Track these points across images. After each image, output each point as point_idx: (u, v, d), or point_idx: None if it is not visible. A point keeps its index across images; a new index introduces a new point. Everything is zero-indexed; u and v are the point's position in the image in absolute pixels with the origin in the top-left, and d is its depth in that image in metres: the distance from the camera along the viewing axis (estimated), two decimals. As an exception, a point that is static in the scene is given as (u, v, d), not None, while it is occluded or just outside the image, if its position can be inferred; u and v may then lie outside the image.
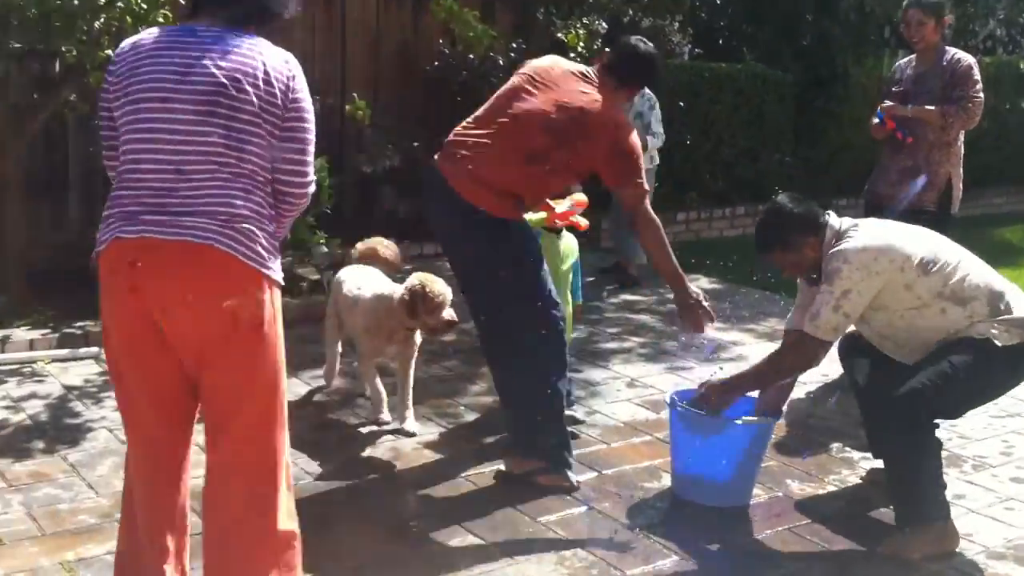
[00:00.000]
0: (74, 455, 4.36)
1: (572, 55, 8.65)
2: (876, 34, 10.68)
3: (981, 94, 5.39)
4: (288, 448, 2.90)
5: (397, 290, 4.66)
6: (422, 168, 4.44)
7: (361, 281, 4.97)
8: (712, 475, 4.03)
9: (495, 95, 4.29)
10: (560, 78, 4.17)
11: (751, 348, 6.15)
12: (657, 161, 7.66)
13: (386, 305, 4.70)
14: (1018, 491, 4.30)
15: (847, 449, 4.70)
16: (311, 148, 2.85)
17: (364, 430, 4.78)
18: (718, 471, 4.02)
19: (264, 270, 2.74)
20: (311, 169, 2.87)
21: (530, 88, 4.17)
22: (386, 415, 4.86)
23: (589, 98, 4.09)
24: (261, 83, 2.71)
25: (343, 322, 5.10)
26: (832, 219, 3.87)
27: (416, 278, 4.56)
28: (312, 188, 2.91)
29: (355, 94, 7.62)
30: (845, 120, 10.40)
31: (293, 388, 5.29)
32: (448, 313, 4.53)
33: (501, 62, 8.65)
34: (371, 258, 5.31)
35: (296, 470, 4.26)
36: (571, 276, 5.14)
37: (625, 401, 5.27)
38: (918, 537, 3.68)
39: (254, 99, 2.70)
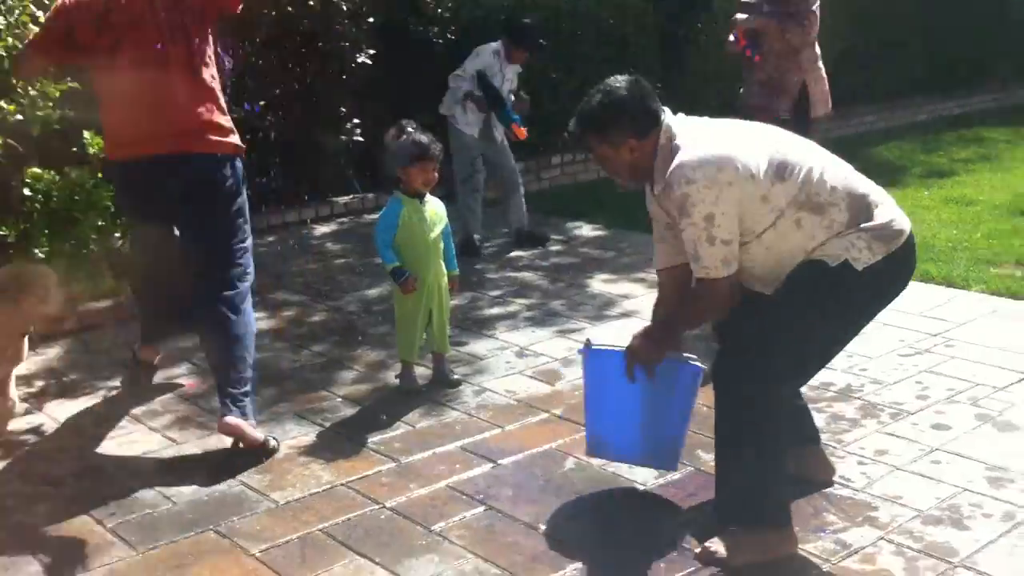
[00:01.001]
0: None
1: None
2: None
3: (815, 7, 5.50)
4: None
5: None
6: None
7: None
8: (637, 428, 3.58)
9: None
10: None
11: (642, 301, 5.77)
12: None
13: None
14: (941, 440, 4.02)
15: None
16: None
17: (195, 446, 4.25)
18: (650, 423, 3.55)
19: None
20: None
21: None
22: None
23: None
24: None
25: None
26: (668, 118, 3.26)
27: (5, 274, 4.05)
28: None
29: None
30: (712, 47, 10.09)
31: (144, 392, 4.72)
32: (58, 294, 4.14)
33: (345, 7, 8.06)
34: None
35: (152, 494, 3.73)
36: (441, 244, 4.69)
37: (516, 374, 4.84)
38: (742, 539, 3.20)
39: None
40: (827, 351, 3.33)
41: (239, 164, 4.30)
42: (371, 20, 8.27)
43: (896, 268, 3.18)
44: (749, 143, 3.16)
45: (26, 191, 5.86)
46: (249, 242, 4.39)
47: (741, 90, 5.84)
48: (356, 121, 8.24)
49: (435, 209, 4.69)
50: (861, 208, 3.15)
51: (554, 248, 7.08)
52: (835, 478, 3.71)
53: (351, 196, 8.47)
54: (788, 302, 3.16)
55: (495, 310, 5.82)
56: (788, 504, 3.27)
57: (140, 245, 4.76)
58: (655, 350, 3.34)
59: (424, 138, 4.58)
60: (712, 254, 3.07)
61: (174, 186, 4.14)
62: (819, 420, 4.03)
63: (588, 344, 3.65)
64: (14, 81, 5.45)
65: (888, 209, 3.20)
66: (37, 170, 5.92)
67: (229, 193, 4.23)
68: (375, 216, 7.54)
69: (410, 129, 4.59)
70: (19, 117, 5.46)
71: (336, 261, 7.01)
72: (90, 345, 5.40)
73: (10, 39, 5.40)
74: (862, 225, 3.12)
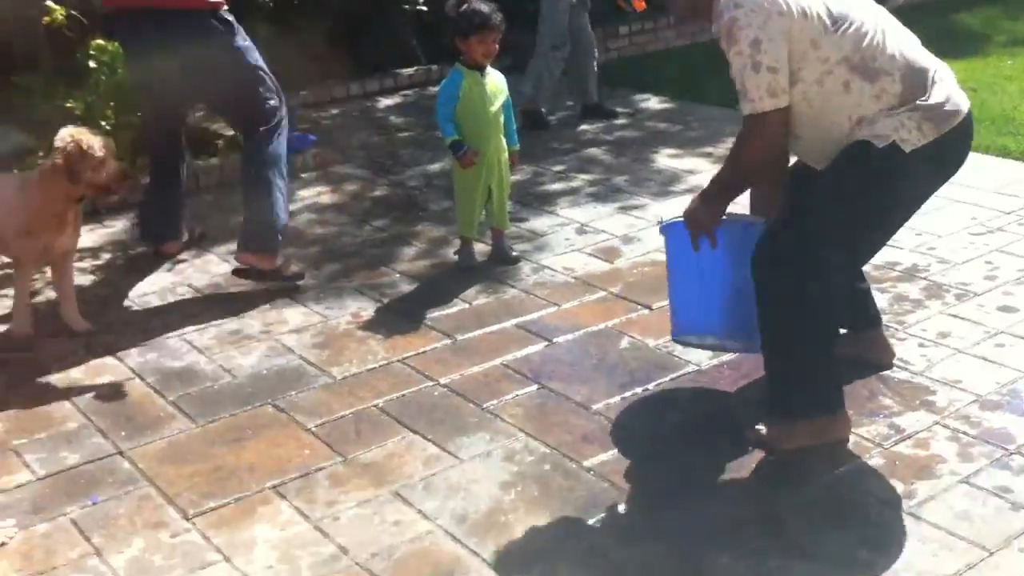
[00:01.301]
0: None
1: None
2: None
3: None
4: None
5: (24, 173, 3.85)
6: None
7: None
8: (719, 303, 3.35)
9: None
10: None
11: (708, 176, 5.61)
12: None
13: (35, 184, 3.91)
14: (1008, 323, 3.92)
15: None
16: None
17: (271, 308, 4.30)
18: (732, 295, 3.28)
19: None
20: None
21: None
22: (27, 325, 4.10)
23: None
24: None
25: None
26: None
27: (65, 136, 3.88)
28: None
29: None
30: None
31: (208, 267, 4.79)
32: (116, 163, 4.00)
33: None
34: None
35: (213, 367, 3.82)
36: (502, 118, 4.62)
37: (575, 251, 4.80)
38: (794, 423, 3.15)
39: None
40: (876, 236, 3.17)
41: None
42: None
43: (947, 152, 3.02)
44: None
45: (91, 63, 5.89)
46: (259, 85, 4.52)
47: None
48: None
49: (495, 82, 4.60)
50: (917, 83, 2.96)
51: (619, 122, 6.94)
52: (894, 361, 3.64)
53: (415, 68, 8.36)
54: (833, 184, 3.03)
55: (557, 185, 5.76)
56: (840, 389, 3.21)
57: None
58: (710, 211, 3.16)
59: (485, 7, 4.47)
60: (758, 83, 2.90)
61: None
62: (882, 301, 3.96)
63: (662, 221, 3.47)
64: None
65: (945, 87, 3.01)
66: (101, 41, 5.94)
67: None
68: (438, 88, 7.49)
69: None
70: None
71: (399, 134, 6.97)
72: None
73: None
74: (915, 103, 2.94)
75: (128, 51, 4.79)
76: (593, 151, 6.36)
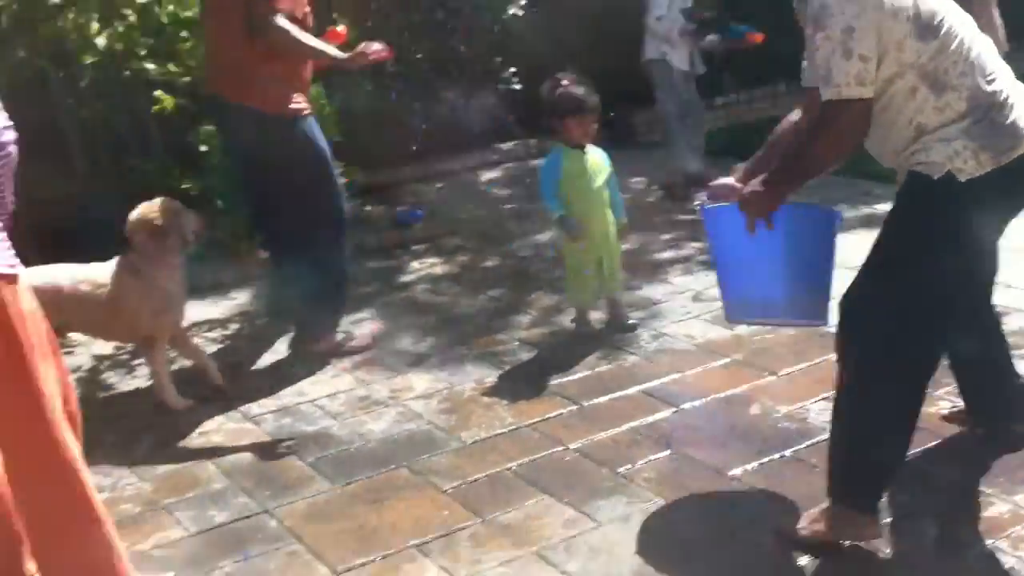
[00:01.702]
0: (111, 435, 4.00)
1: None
2: None
3: None
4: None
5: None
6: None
7: (68, 274, 4.08)
8: (775, 282, 3.31)
9: None
10: None
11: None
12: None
13: (139, 262, 4.10)
14: None
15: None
16: None
17: (398, 384, 4.38)
18: (789, 274, 3.27)
19: None
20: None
21: None
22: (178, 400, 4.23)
23: None
24: None
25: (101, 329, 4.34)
26: None
27: (143, 210, 4.13)
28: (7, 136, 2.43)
29: (335, 15, 7.03)
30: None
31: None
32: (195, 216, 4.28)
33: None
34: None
35: (346, 432, 3.89)
36: (607, 193, 4.69)
37: (693, 319, 4.82)
38: (833, 514, 3.00)
39: None
40: (963, 284, 2.97)
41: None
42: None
43: (1010, 182, 2.84)
44: None
45: (202, 147, 6.12)
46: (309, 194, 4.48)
47: None
48: (513, 70, 8.25)
49: (596, 159, 4.69)
50: (981, 104, 2.84)
51: (724, 192, 6.97)
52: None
53: (513, 142, 8.52)
54: (899, 230, 2.93)
55: (667, 254, 5.80)
56: (883, 491, 3.04)
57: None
58: (770, 196, 3.01)
59: (580, 91, 4.57)
60: (847, 70, 2.77)
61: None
62: (1021, 368, 3.88)
63: (703, 205, 3.46)
64: (179, 45, 5.67)
65: (1015, 113, 2.86)
66: (209, 127, 6.17)
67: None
68: (538, 161, 7.62)
69: (565, 82, 4.59)
70: (187, 79, 5.68)
71: (503, 207, 7.08)
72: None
73: (171, 7, 5.61)
74: (973, 126, 2.83)
75: (219, 134, 5.11)
76: (700, 219, 6.38)
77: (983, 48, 2.94)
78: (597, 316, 4.84)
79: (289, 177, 4.38)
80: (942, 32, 2.84)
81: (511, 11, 8.10)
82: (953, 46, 2.85)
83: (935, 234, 2.87)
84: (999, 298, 4.13)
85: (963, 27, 2.93)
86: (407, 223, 6.50)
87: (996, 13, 5.38)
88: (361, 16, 7.10)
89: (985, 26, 5.28)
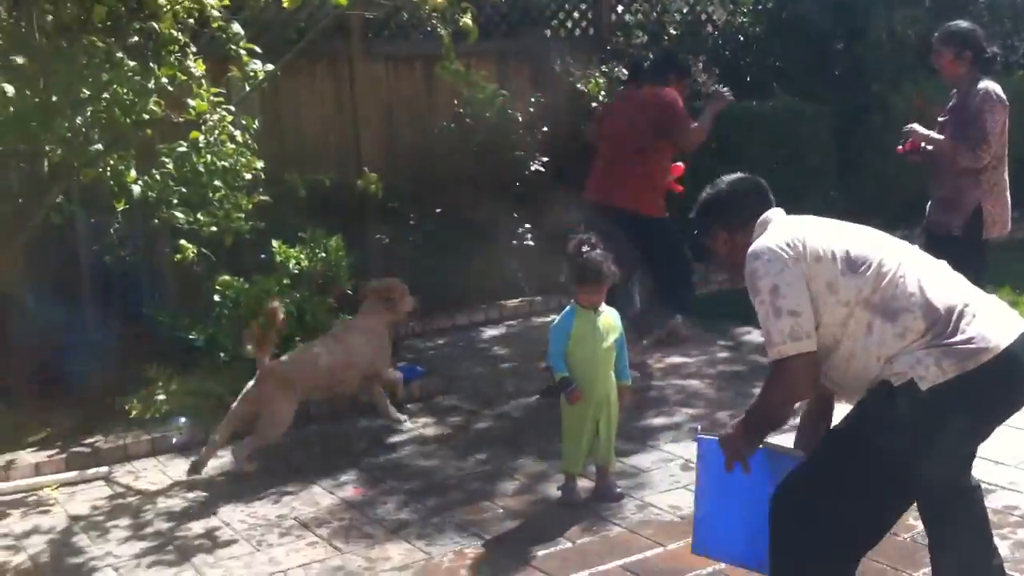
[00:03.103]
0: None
1: (594, 104, 8.30)
2: (912, 58, 10.15)
3: (989, 135, 5.38)
4: None
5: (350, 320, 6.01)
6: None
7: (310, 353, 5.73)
8: (741, 525, 3.37)
9: None
10: None
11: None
12: None
13: (370, 321, 5.87)
14: None
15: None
16: None
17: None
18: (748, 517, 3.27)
19: None
20: None
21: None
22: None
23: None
24: None
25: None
26: (771, 214, 3.23)
27: (382, 283, 6.01)
28: None
29: (365, 168, 7.22)
30: (889, 149, 9.85)
31: (314, 498, 4.85)
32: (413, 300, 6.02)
33: (520, 118, 8.29)
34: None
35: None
36: (614, 354, 4.69)
37: (680, 489, 4.75)
38: None
39: None
40: (911, 488, 3.01)
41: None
42: (544, 129, 8.44)
43: (978, 390, 2.86)
44: (828, 233, 3.08)
45: (216, 297, 6.20)
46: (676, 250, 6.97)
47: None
48: (527, 226, 8.38)
49: (608, 320, 4.70)
50: (940, 318, 2.90)
51: (721, 355, 6.97)
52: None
53: (519, 299, 8.57)
54: (852, 431, 2.99)
55: (659, 420, 5.75)
56: None
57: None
58: (743, 442, 3.15)
59: (599, 257, 4.62)
60: (779, 328, 2.93)
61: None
62: (1003, 548, 3.79)
63: (698, 432, 3.54)
64: (211, 194, 5.81)
65: (977, 323, 2.90)
66: (227, 278, 6.26)
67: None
68: (543, 320, 7.66)
69: (586, 248, 4.64)
70: (214, 228, 5.79)
71: (503, 365, 7.08)
72: (265, 449, 5.57)
73: (209, 156, 5.76)
74: (936, 340, 2.87)
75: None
76: (695, 383, 6.37)
77: (923, 265, 3.03)
78: (585, 484, 4.77)
79: (663, 244, 6.81)
80: (875, 261, 2.95)
81: (533, 167, 8.29)
82: (892, 270, 2.95)
83: (886, 442, 2.87)
84: (986, 475, 4.10)
85: (898, 251, 3.05)
86: (406, 380, 6.49)
87: (1006, 193, 5.64)
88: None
89: (992, 203, 5.46)
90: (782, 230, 3.11)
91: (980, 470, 4.50)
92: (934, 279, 3.00)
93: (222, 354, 6.19)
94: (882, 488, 2.92)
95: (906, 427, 2.85)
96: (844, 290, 2.94)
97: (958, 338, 2.87)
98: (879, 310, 2.92)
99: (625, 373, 4.77)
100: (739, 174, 3.43)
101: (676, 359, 6.92)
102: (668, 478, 4.89)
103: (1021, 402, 3.01)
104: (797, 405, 3.26)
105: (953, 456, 3.05)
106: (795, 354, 2.93)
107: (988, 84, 5.51)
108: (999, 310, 3.02)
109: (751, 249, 3.09)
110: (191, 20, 5.63)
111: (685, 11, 9.69)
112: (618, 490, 4.72)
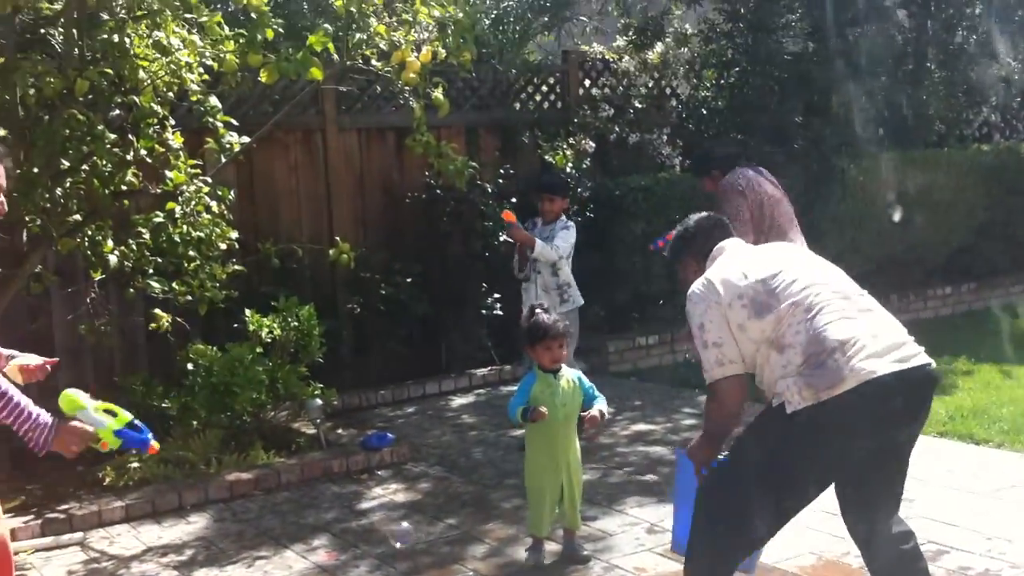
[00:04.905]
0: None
1: (562, 174, 8.52)
2: (870, 132, 10.48)
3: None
4: None
5: None
6: None
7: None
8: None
9: None
10: None
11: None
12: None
13: None
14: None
15: None
16: None
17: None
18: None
19: None
20: None
21: None
22: None
23: None
24: None
25: None
26: (725, 243, 3.77)
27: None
28: None
29: (338, 237, 7.38)
30: (848, 220, 10.14)
31: (287, 562, 4.91)
32: None
33: (489, 188, 8.49)
34: None
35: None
36: (575, 421, 4.81)
37: (646, 551, 4.86)
38: None
39: None
40: (781, 497, 3.45)
41: None
42: (514, 200, 8.62)
43: (828, 416, 3.28)
44: (757, 270, 3.51)
45: (189, 365, 6.29)
46: None
47: None
48: (496, 296, 8.54)
49: (570, 380, 4.81)
50: (816, 353, 3.32)
51: (685, 422, 7.11)
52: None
53: (488, 368, 8.70)
54: (744, 439, 3.60)
55: (625, 485, 5.87)
56: None
57: None
58: (703, 452, 3.65)
59: (547, 319, 4.77)
60: (707, 357, 3.49)
61: None
62: (956, 608, 3.94)
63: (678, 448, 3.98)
64: (186, 264, 5.93)
65: (851, 359, 3.28)
66: (201, 346, 6.35)
67: None
68: (510, 388, 7.77)
69: (538, 311, 4.80)
70: (189, 297, 5.90)
71: (471, 433, 7.19)
72: (238, 515, 5.65)
73: (185, 227, 5.89)
74: (805, 371, 3.32)
75: None
76: (659, 449, 6.50)
77: (828, 299, 3.43)
78: (552, 547, 4.87)
79: None
80: (781, 305, 3.41)
81: (503, 237, 8.41)
82: (790, 314, 3.40)
83: (772, 450, 3.42)
84: (940, 536, 4.25)
85: (817, 289, 3.45)
86: (376, 447, 6.58)
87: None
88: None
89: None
90: (720, 267, 3.63)
91: (934, 531, 4.69)
92: (831, 319, 3.37)
93: (194, 422, 6.27)
94: (760, 485, 3.42)
95: (776, 438, 3.42)
96: (751, 330, 3.46)
97: (819, 371, 3.30)
98: (774, 345, 3.43)
99: (601, 400, 4.83)
100: (704, 213, 3.97)
101: (641, 426, 7.05)
102: (633, 541, 5.00)
103: (883, 431, 3.38)
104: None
105: (817, 467, 3.44)
106: (721, 377, 3.50)
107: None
108: (888, 349, 3.35)
109: (689, 290, 3.62)
110: (170, 94, 5.80)
111: (650, 85, 9.98)
112: (585, 552, 4.82)
